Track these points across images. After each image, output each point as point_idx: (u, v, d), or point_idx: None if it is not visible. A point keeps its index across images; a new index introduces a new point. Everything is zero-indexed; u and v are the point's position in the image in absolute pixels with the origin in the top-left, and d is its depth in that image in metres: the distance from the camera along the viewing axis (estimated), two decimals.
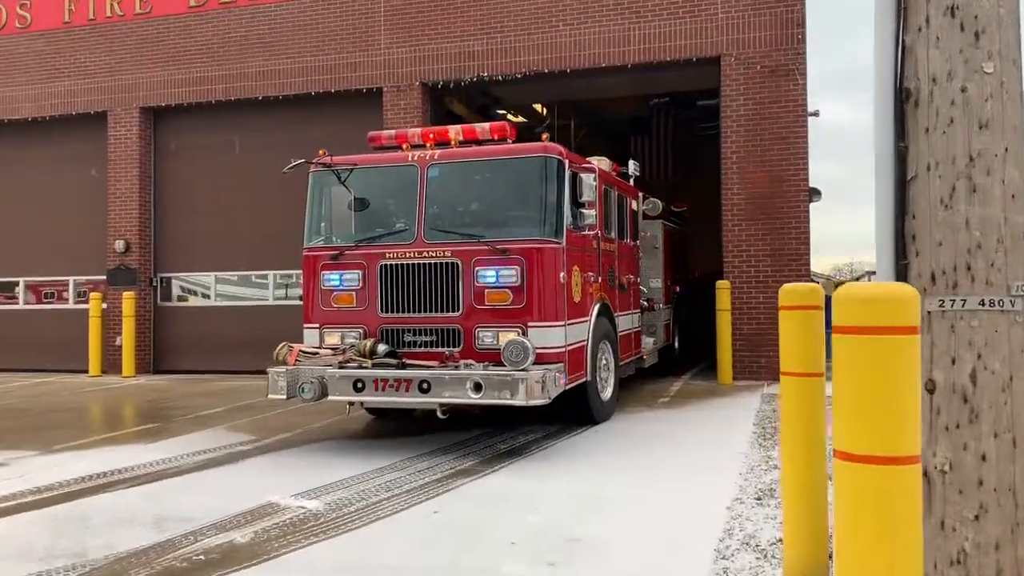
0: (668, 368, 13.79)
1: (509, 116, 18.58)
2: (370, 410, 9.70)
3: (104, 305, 15.63)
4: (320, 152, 8.77)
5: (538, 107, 19.27)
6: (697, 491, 6.15)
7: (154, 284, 16.12)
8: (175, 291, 16.28)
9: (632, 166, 11.70)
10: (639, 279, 11.72)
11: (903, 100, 2.80)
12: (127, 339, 15.25)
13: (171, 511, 5.80)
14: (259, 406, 11.10)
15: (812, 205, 13.09)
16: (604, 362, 9.34)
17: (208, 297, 16.06)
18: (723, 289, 12.55)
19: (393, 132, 9.03)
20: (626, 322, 10.69)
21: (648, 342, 12.10)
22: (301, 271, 8.79)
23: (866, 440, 2.20)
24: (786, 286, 4.10)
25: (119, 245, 15.76)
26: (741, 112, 12.74)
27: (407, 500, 5.98)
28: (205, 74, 15.39)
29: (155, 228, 16.15)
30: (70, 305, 16.65)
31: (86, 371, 15.41)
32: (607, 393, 9.39)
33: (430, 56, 14.11)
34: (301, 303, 8.72)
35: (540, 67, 13.58)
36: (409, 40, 14.21)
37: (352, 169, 8.54)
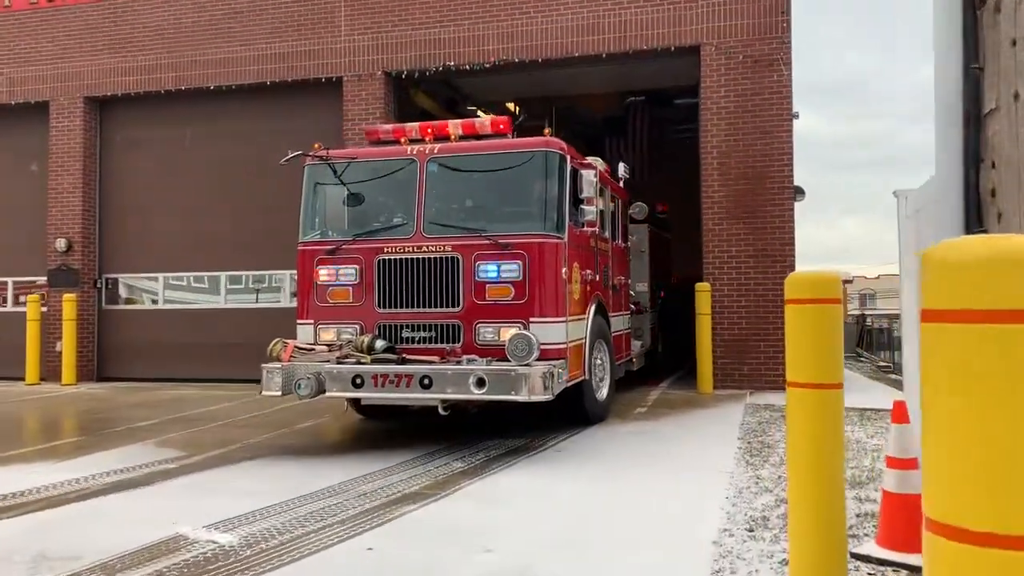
0: (646, 374, 13.00)
1: (479, 113, 17.77)
2: (361, 411, 9.43)
3: (44, 308, 14.58)
4: (315, 145, 8.64)
5: (510, 105, 18.47)
6: (679, 520, 5.32)
7: (98, 285, 15.09)
8: (122, 293, 15.26)
9: (622, 168, 11.01)
10: (629, 281, 11.47)
11: (975, 3, 2.00)
12: (68, 344, 14.22)
13: (58, 546, 4.87)
14: (201, 418, 10.16)
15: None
16: (600, 361, 9.09)
17: (156, 300, 15.05)
18: (703, 292, 11.79)
19: (391, 127, 8.83)
20: (619, 323, 10.49)
21: (636, 345, 11.81)
22: (296, 266, 8.58)
23: (997, 510, 1.34)
24: (795, 274, 3.28)
25: (60, 244, 14.72)
26: (722, 104, 12.00)
27: (340, 533, 5.09)
28: (154, 62, 14.43)
29: (100, 226, 15.14)
30: (8, 308, 15.57)
31: (23, 379, 14.35)
32: (602, 393, 9.15)
33: (393, 44, 13.25)
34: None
35: (509, 56, 12.78)
36: (371, 27, 13.35)
37: (349, 163, 8.41)
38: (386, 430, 9.24)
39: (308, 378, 7.43)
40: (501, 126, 8.44)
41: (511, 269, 7.66)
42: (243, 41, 13.93)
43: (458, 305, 7.75)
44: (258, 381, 13.69)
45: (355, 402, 8.71)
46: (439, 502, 5.80)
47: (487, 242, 7.70)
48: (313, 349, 7.94)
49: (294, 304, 14.28)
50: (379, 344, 7.69)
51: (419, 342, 7.83)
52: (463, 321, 7.74)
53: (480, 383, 7.07)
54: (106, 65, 14.67)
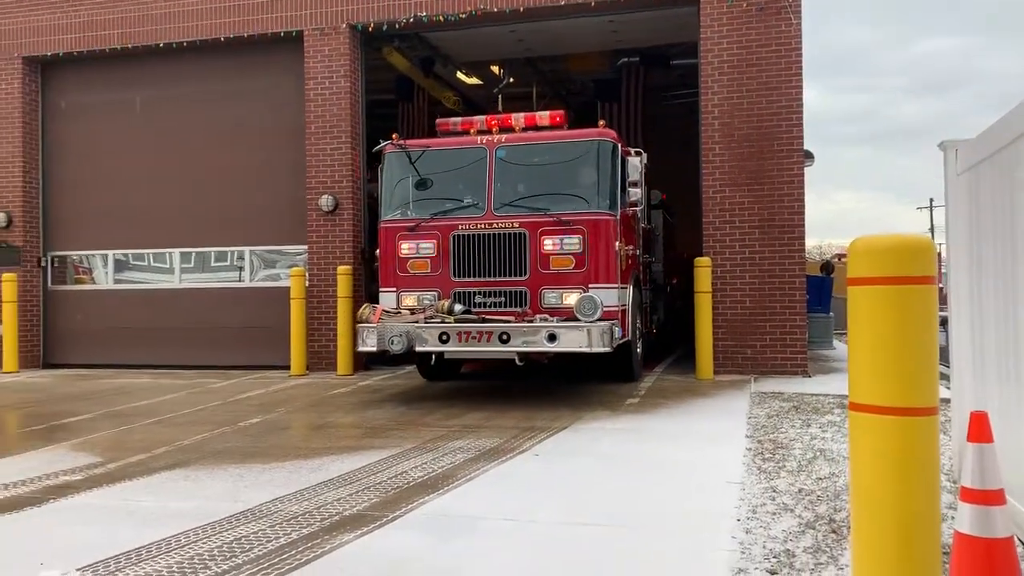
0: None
1: (459, 75, 16.51)
2: (426, 374, 10.77)
3: None
4: (393, 135, 9.74)
5: (495, 68, 17.17)
6: (679, 558, 4.19)
7: (43, 264, 13.87)
8: (70, 272, 14.05)
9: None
10: (652, 259, 12.47)
11: None
12: (8, 328, 13.04)
13: None
14: (138, 412, 9.03)
15: None
16: (638, 326, 10.28)
17: (107, 279, 13.83)
18: (703, 267, 10.64)
19: (459, 119, 9.97)
20: (647, 296, 11.63)
21: (654, 319, 12.66)
22: (378, 242, 9.65)
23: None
24: (866, 239, 2.13)
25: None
26: (724, 58, 10.78)
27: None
28: (98, 17, 13.13)
29: (44, 199, 13.88)
30: None
31: None
32: (639, 355, 10.42)
33: None
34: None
35: (488, 6, 11.50)
36: None
37: (424, 151, 9.50)
38: (350, 424, 8.12)
39: (400, 336, 8.49)
40: (558, 119, 9.55)
41: (572, 242, 8.78)
42: None
43: (525, 274, 8.86)
44: (216, 367, 12.70)
45: (422, 366, 10.61)
46: (383, 529, 4.67)
47: (551, 219, 8.82)
48: (399, 312, 8.97)
49: (257, 284, 13.16)
50: (458, 307, 8.76)
51: (490, 307, 8.90)
52: (529, 288, 8.86)
53: (552, 337, 8.19)
54: (46, 21, 13.35)
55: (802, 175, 10.56)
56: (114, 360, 13.35)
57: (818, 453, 6.42)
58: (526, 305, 8.79)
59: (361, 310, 9.03)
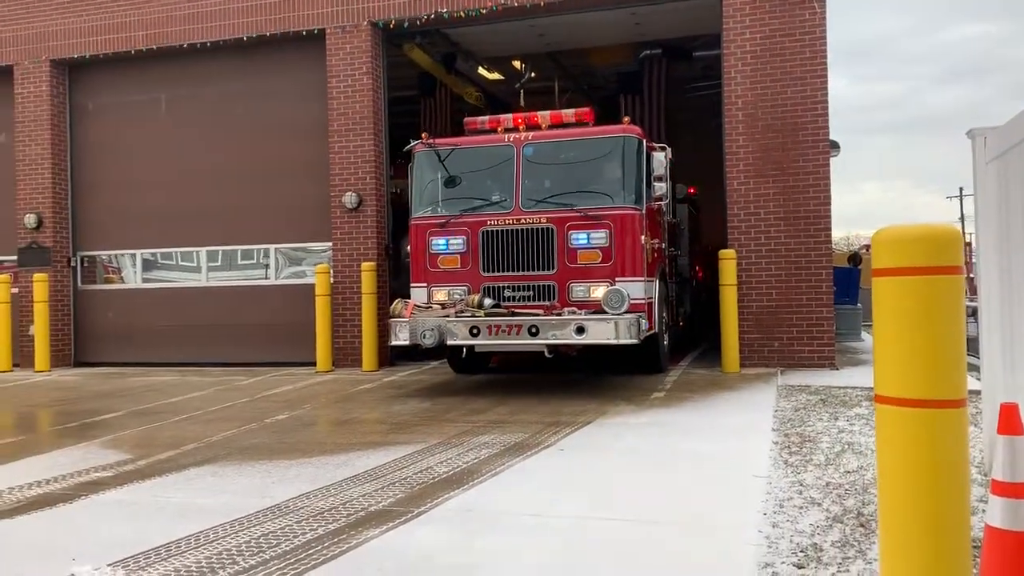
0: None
1: (481, 70, 16.50)
2: (457, 367, 10.92)
3: (14, 290, 13.59)
4: (423, 135, 9.94)
5: (517, 64, 17.14)
6: (706, 553, 4.17)
7: (73, 264, 14.05)
8: (100, 272, 14.22)
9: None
10: (678, 253, 12.64)
11: None
12: (40, 328, 13.23)
13: None
14: (166, 410, 9.13)
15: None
16: (664, 319, 10.36)
17: (136, 278, 13.99)
18: (727, 259, 10.56)
19: (486, 118, 10.17)
20: (672, 289, 11.77)
21: (680, 311, 12.81)
22: (409, 238, 9.89)
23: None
24: (891, 229, 2.09)
25: (29, 220, 13.70)
26: (747, 48, 10.68)
27: (278, 572, 3.99)
28: (123, 19, 13.27)
29: (73, 200, 14.07)
30: None
31: None
32: (666, 347, 10.53)
33: None
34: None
35: (508, 0, 11.46)
36: None
37: (453, 149, 9.66)
38: (376, 420, 8.16)
39: (432, 330, 8.68)
40: (583, 116, 9.67)
41: (599, 237, 8.91)
42: None
43: (553, 268, 9.02)
44: (242, 364, 12.82)
45: (453, 359, 10.76)
46: (409, 524, 4.69)
47: (578, 214, 8.96)
48: (430, 307, 9.19)
49: (282, 281, 13.26)
50: (487, 302, 8.94)
51: (519, 300, 9.08)
52: (557, 281, 9.03)
53: (580, 330, 8.35)
54: (72, 24, 13.51)
55: (828, 165, 10.44)
56: (143, 358, 13.51)
57: (846, 446, 6.35)
58: (554, 298, 8.96)
59: (393, 305, 9.22)
